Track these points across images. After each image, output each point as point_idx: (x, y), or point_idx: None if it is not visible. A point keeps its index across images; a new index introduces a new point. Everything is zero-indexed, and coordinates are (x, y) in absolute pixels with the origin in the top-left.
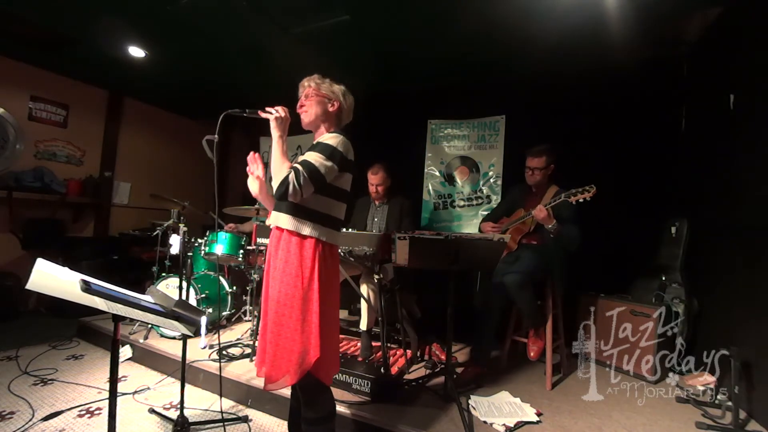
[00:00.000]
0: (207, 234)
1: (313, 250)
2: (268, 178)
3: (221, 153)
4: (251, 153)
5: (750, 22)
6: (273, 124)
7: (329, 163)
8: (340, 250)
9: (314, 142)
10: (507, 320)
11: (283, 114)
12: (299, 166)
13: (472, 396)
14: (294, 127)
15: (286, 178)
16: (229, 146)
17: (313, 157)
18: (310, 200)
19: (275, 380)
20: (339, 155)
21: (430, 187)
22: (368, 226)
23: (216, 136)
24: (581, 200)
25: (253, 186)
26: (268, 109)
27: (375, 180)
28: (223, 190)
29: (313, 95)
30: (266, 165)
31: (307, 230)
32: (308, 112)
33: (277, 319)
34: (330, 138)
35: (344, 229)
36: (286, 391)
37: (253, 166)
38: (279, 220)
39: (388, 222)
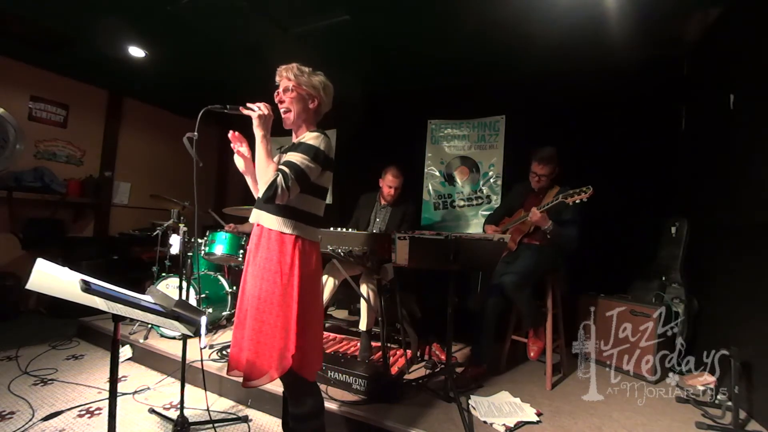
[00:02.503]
0: (207, 234)
1: (293, 247)
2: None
3: (220, 152)
4: (231, 132)
5: (750, 22)
6: (255, 123)
7: (313, 165)
8: (340, 250)
9: (296, 142)
10: (507, 320)
11: (266, 112)
12: (286, 168)
13: (472, 396)
14: (275, 128)
15: (274, 181)
16: (228, 145)
17: (298, 158)
18: (292, 199)
19: (255, 377)
20: (322, 155)
21: (430, 187)
22: (370, 225)
23: (195, 133)
24: (578, 201)
25: (239, 163)
26: (249, 105)
27: (395, 183)
28: (222, 190)
29: (293, 91)
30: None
31: (288, 228)
32: (289, 112)
33: (258, 316)
34: (312, 138)
35: (343, 229)
36: None
37: (237, 144)
38: (261, 218)
39: (389, 225)
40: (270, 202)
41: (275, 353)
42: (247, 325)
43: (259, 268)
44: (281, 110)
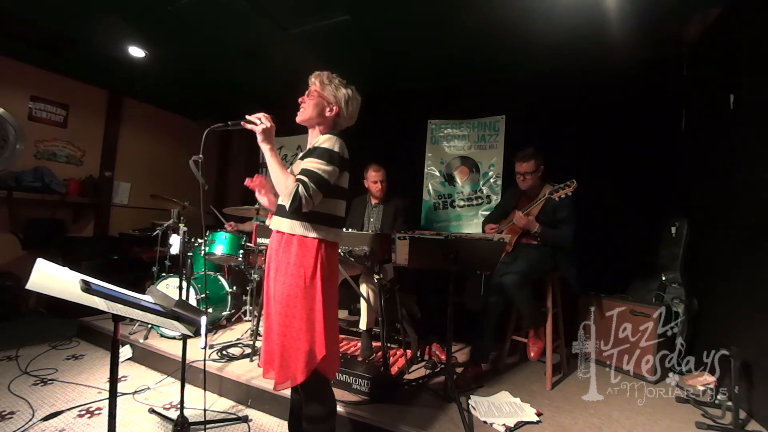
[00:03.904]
0: (207, 234)
1: (316, 250)
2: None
3: (221, 152)
4: (248, 180)
5: (750, 22)
6: (260, 137)
7: (330, 168)
8: (339, 250)
9: (311, 147)
10: (507, 320)
11: (268, 124)
12: (305, 178)
13: (472, 396)
14: (291, 128)
15: (297, 192)
16: (229, 145)
17: (315, 165)
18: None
19: (285, 380)
20: (338, 157)
21: (430, 187)
22: (364, 226)
23: (201, 156)
24: (563, 196)
25: (264, 201)
26: (250, 118)
27: (378, 176)
28: (223, 190)
29: (315, 95)
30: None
31: (311, 233)
32: (304, 111)
33: (281, 320)
34: (325, 141)
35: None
36: (286, 391)
37: (258, 191)
38: (281, 224)
39: (383, 222)
40: (297, 212)
41: (301, 356)
42: (273, 329)
43: (281, 273)
44: (300, 108)
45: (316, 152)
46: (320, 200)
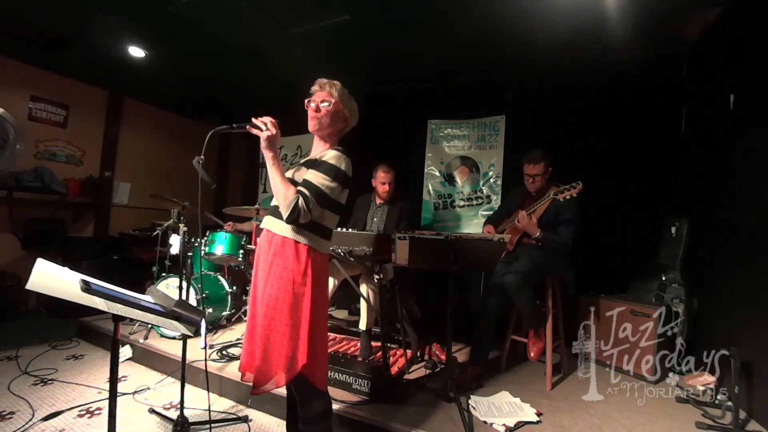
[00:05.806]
0: (207, 234)
1: (307, 256)
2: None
3: (220, 152)
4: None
5: (750, 22)
6: (264, 144)
7: (334, 184)
8: (340, 250)
9: (317, 158)
10: (507, 320)
11: (273, 131)
12: (306, 191)
13: (472, 396)
14: (291, 129)
15: (296, 204)
16: (229, 145)
17: (319, 179)
18: None
19: (263, 383)
20: (342, 175)
21: (430, 187)
22: (367, 225)
23: (202, 156)
24: (568, 197)
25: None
26: (256, 122)
27: (387, 178)
28: (222, 190)
29: (334, 106)
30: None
31: (303, 238)
32: (321, 121)
33: (266, 323)
34: (333, 157)
35: (343, 229)
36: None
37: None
38: (274, 225)
39: (386, 223)
40: (294, 223)
41: (282, 360)
42: (256, 330)
43: (270, 274)
44: (314, 117)
45: (323, 166)
46: (319, 214)
